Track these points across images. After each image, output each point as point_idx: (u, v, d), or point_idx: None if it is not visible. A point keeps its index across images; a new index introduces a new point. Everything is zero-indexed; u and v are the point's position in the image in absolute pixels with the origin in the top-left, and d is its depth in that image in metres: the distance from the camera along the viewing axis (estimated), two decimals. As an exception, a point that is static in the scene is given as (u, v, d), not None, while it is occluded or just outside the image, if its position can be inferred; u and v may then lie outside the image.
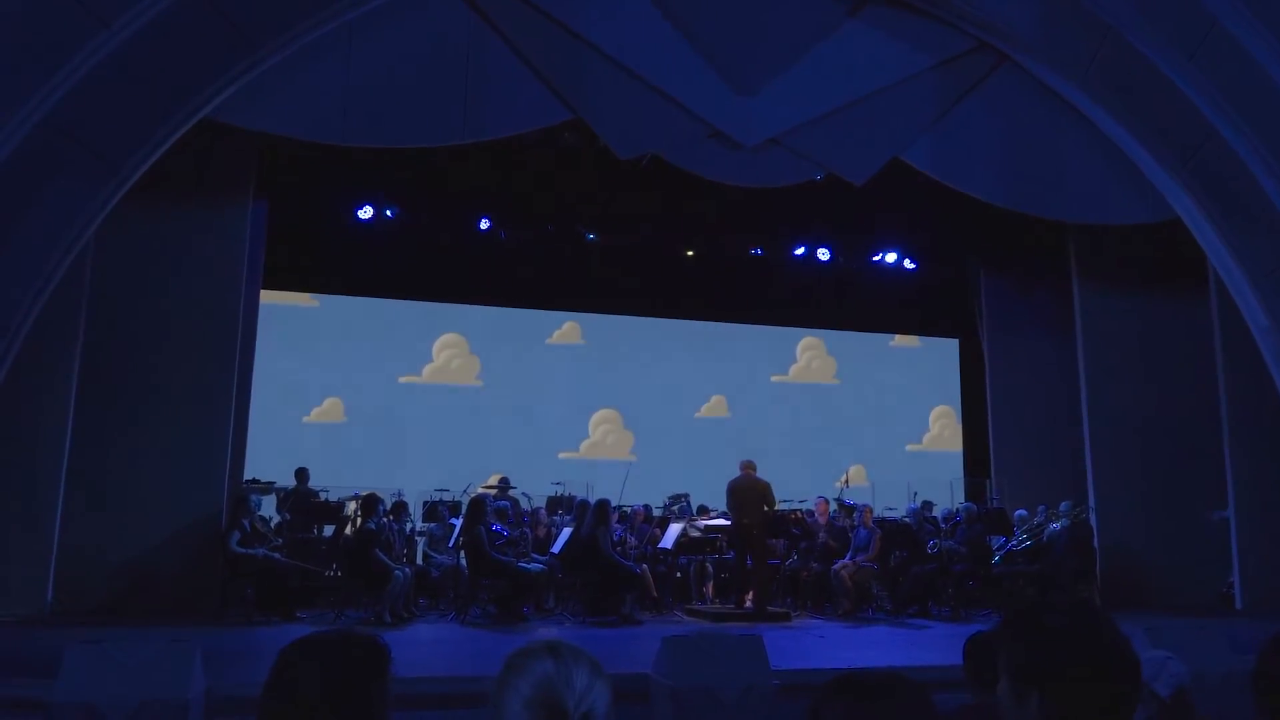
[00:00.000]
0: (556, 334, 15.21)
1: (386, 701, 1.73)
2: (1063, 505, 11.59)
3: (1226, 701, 3.39)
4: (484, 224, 13.34)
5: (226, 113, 8.70)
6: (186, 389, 10.06)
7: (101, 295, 9.73)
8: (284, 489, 11.36)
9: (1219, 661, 5.54)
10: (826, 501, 11.78)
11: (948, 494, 13.62)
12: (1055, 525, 11.37)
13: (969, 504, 11.98)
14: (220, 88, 8.40)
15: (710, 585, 11.15)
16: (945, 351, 16.44)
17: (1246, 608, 11.07)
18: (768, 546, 10.68)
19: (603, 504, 10.08)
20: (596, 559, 9.75)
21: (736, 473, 10.60)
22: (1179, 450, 12.13)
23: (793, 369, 16.17)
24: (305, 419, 13.79)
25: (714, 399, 15.60)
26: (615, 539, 10.29)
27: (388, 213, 12.87)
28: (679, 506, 12.38)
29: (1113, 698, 1.57)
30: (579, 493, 12.12)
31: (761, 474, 10.56)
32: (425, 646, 8.15)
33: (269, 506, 11.12)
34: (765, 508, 10.41)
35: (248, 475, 11.37)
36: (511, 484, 12.30)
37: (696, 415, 15.47)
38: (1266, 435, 11.33)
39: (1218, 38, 9.13)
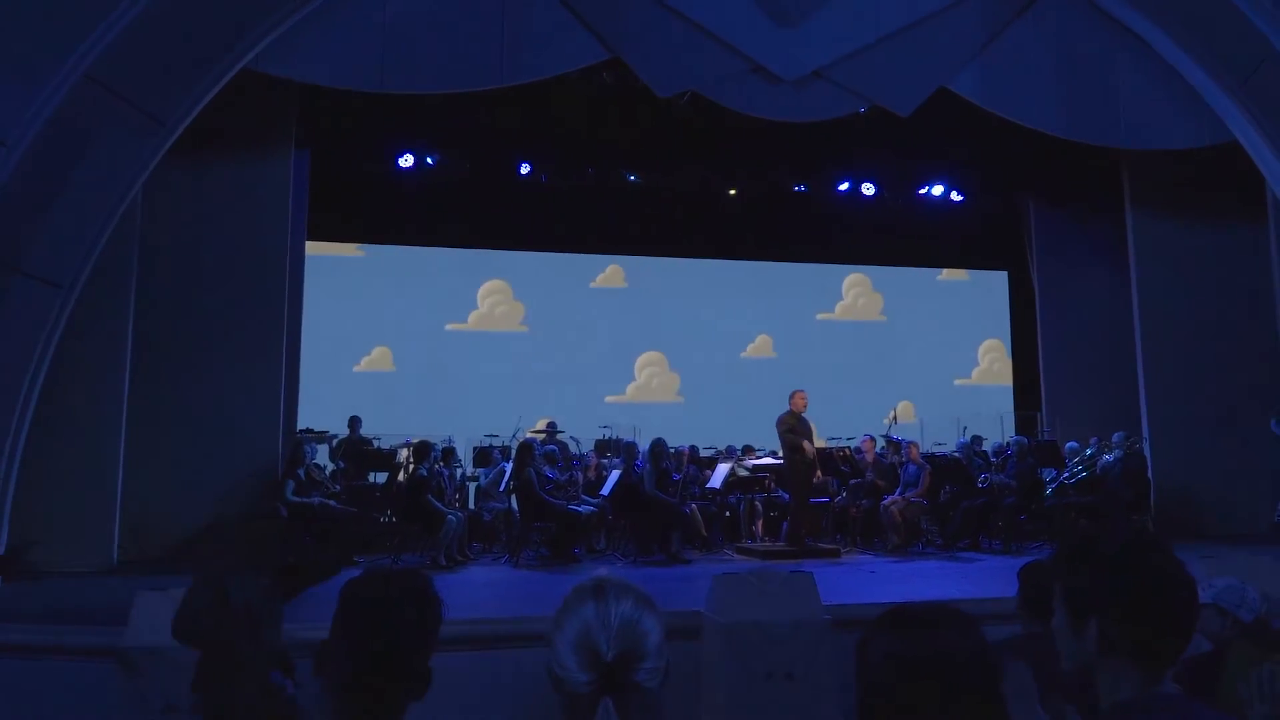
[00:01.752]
0: (600, 277, 15.20)
1: (432, 628, 1.85)
2: (1115, 436, 11.44)
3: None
4: (524, 169, 13.28)
5: (264, 62, 8.70)
6: (238, 341, 10.22)
7: (152, 250, 9.86)
8: (337, 438, 11.58)
9: (1274, 588, 5.47)
10: (873, 440, 11.69)
11: (997, 428, 13.50)
12: (1108, 457, 11.23)
13: (1019, 437, 11.86)
14: (259, 36, 8.40)
15: (760, 523, 11.19)
16: (994, 284, 16.17)
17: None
18: (802, 481, 10.25)
19: (652, 445, 10.12)
20: (644, 500, 9.83)
21: (784, 410, 10.47)
22: (1234, 381, 11.88)
23: (839, 306, 16.03)
24: (355, 368, 13.99)
25: (760, 339, 15.54)
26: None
27: (428, 160, 12.88)
28: (727, 448, 12.42)
29: (1170, 623, 1.57)
30: (626, 435, 12.21)
31: (809, 413, 10.46)
32: (479, 589, 8.30)
33: (323, 455, 11.33)
34: (801, 444, 10.15)
35: (301, 425, 11.58)
36: (559, 428, 12.41)
37: (742, 355, 15.43)
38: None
39: (1279, -51, 8.76)
